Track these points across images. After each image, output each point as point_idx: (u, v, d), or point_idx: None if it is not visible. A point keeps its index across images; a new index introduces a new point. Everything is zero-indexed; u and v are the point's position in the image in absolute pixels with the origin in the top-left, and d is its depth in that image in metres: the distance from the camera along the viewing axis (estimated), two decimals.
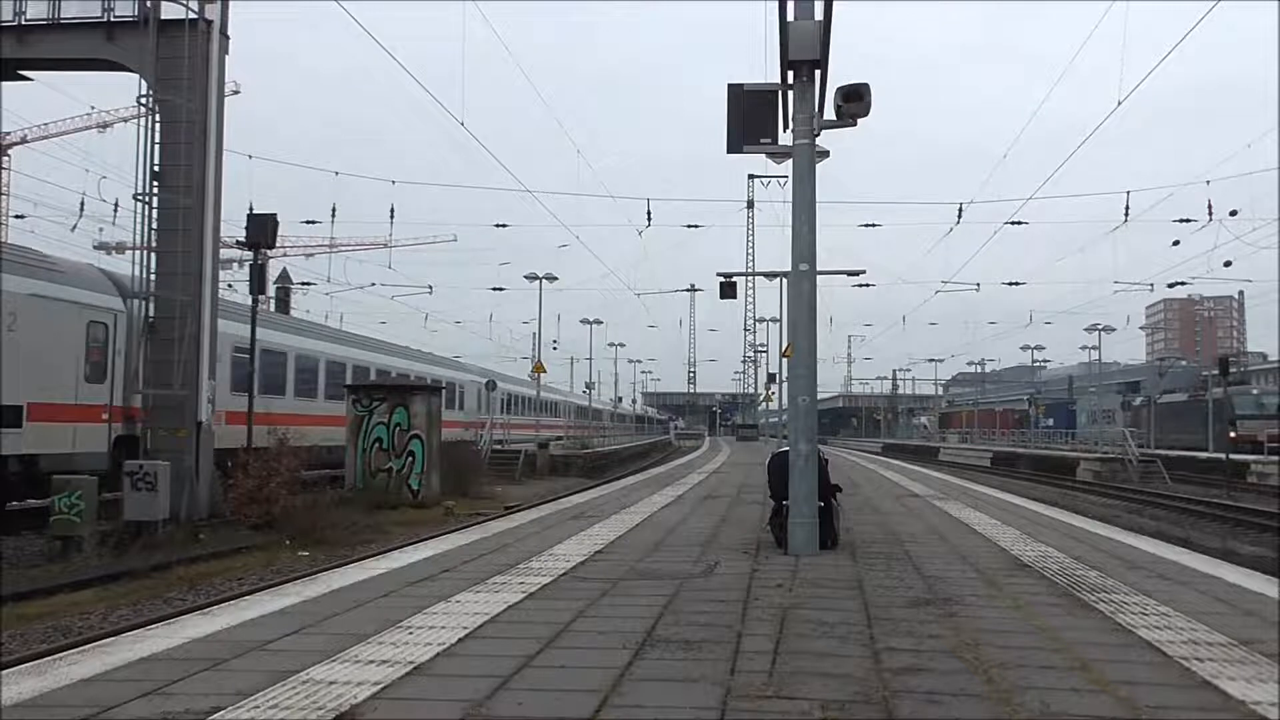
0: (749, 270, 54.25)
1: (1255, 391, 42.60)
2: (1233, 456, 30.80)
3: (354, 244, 52.25)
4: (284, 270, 42.10)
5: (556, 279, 44.71)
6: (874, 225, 40.42)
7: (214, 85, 15.51)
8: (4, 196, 52.32)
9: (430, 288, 50.49)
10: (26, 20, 15.69)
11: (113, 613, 9.65)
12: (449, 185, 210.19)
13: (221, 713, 3.67)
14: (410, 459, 20.49)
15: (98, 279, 16.78)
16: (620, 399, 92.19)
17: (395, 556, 8.62)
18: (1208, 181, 33.19)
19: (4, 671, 4.38)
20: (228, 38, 15.91)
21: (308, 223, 40.70)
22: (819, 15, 8.55)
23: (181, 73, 14.98)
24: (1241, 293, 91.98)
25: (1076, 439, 50.75)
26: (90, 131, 56.47)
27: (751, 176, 57.19)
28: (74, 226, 39.62)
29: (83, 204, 37.92)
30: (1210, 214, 32.43)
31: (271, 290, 37.75)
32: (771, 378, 55.90)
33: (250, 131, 45.30)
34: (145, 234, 14.94)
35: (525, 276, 44.79)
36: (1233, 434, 37.40)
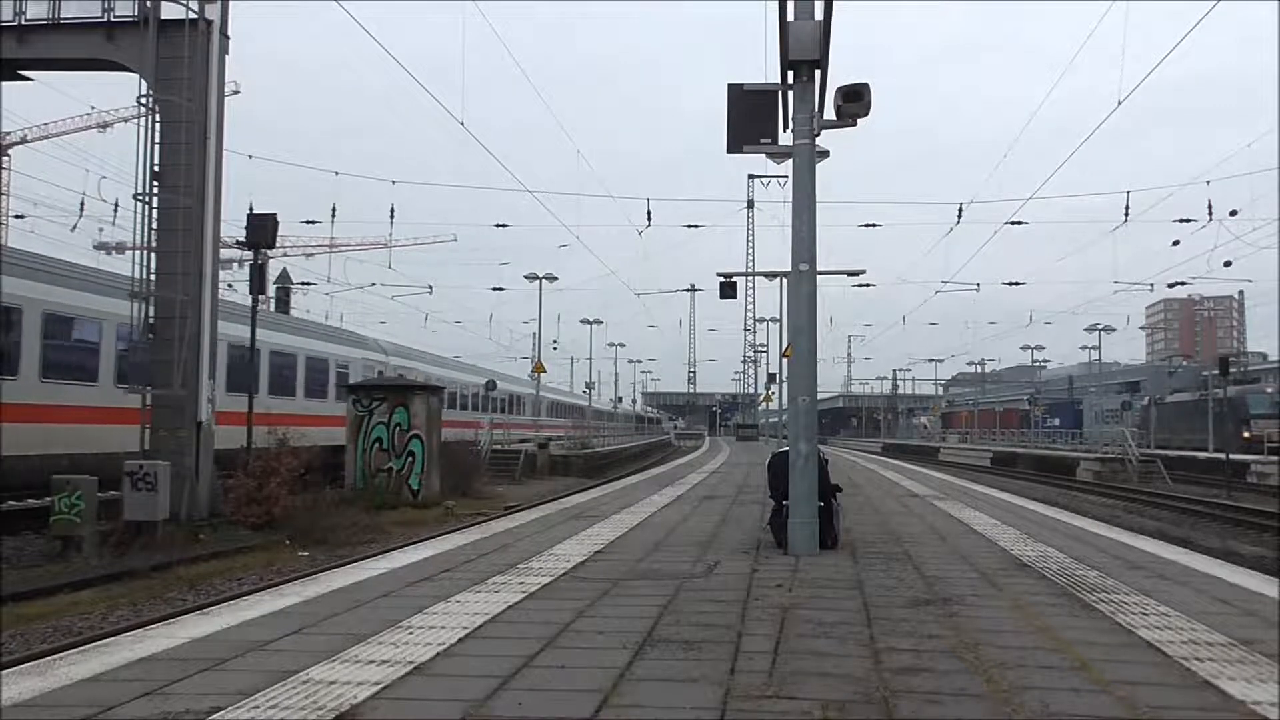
0: (749, 270, 54.31)
1: (1269, 390, 42.37)
2: (1234, 457, 30.75)
3: (354, 244, 52.40)
4: (284, 270, 42.09)
5: (556, 279, 44.88)
6: (874, 225, 40.37)
7: (214, 85, 15.51)
8: (4, 196, 52.39)
9: (430, 288, 50.63)
10: (26, 20, 15.67)
11: (113, 613, 9.65)
12: (449, 185, 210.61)
13: (221, 713, 3.67)
14: (410, 459, 20.50)
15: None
16: (620, 399, 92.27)
17: (395, 556, 8.62)
18: (1208, 181, 33.25)
19: (4, 671, 4.38)
20: (228, 38, 15.91)
21: (308, 223, 40.80)
22: (819, 15, 8.55)
23: (181, 73, 14.98)
24: (1241, 293, 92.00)
25: (1082, 439, 50.66)
26: (90, 131, 56.68)
27: (751, 176, 57.43)
28: (74, 226, 39.75)
29: (83, 204, 38.03)
30: (1210, 214, 32.48)
31: (271, 290, 37.75)
32: (771, 378, 56.00)
33: (250, 131, 45.27)
34: (145, 234, 14.94)
35: (525, 276, 45.01)
36: (1246, 434, 37.29)
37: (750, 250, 74.82)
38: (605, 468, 37.54)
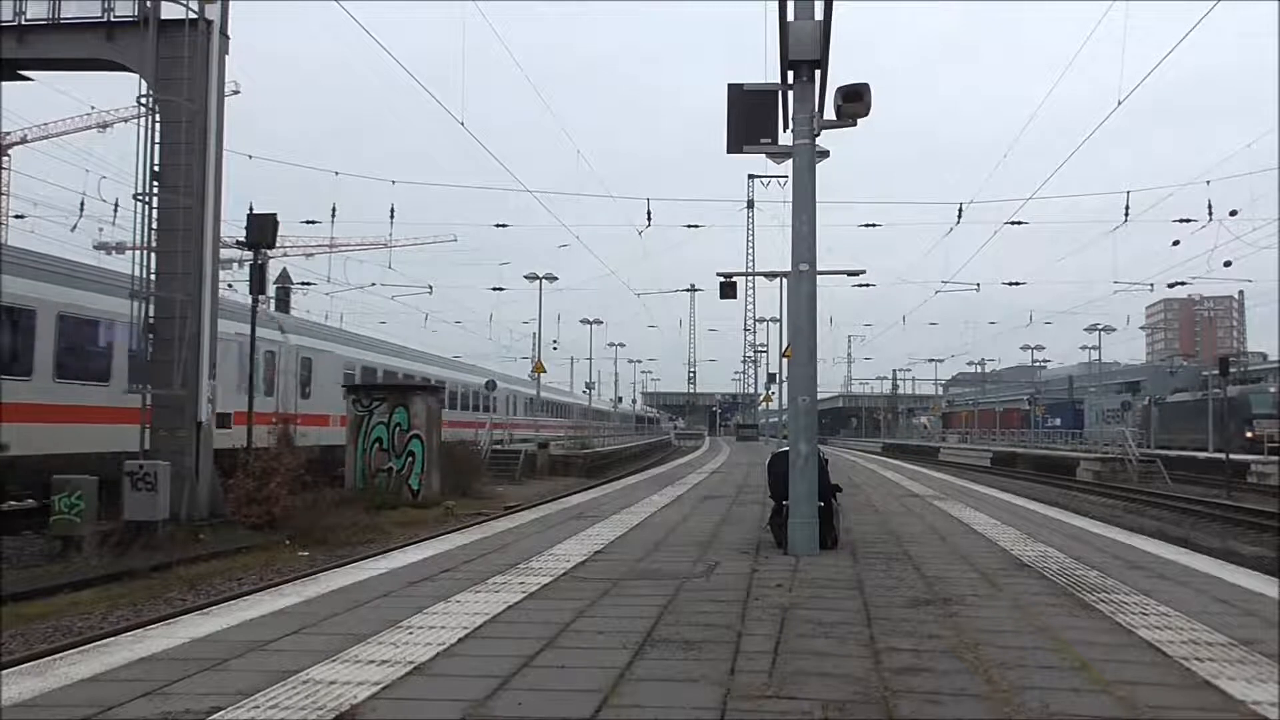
0: (749, 270, 54.26)
1: (1273, 390, 42.26)
2: (1234, 456, 30.71)
3: (354, 244, 52.37)
4: (284, 270, 42.06)
5: (556, 279, 44.87)
6: (874, 225, 40.37)
7: (214, 85, 15.50)
8: (4, 196, 52.40)
9: (430, 288, 50.64)
10: (26, 20, 15.66)
11: (113, 613, 9.65)
12: (449, 185, 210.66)
13: (221, 713, 3.67)
14: (410, 459, 20.52)
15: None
16: (620, 399, 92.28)
17: (395, 556, 8.62)
18: (1208, 181, 33.29)
19: (4, 671, 4.38)
20: (228, 38, 15.90)
21: (308, 223, 40.67)
22: (819, 15, 8.56)
23: (181, 73, 14.97)
24: (1241, 293, 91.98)
25: (1082, 439, 50.55)
26: (90, 131, 56.63)
27: (751, 176, 57.42)
28: (74, 226, 39.71)
29: (83, 204, 37.99)
30: (1210, 214, 32.49)
31: (271, 290, 37.70)
32: (771, 378, 55.99)
33: (250, 132, 45.30)
34: (145, 234, 14.93)
35: (525, 276, 45.03)
36: (1249, 434, 37.20)
37: (750, 250, 75.01)
38: (605, 468, 37.53)
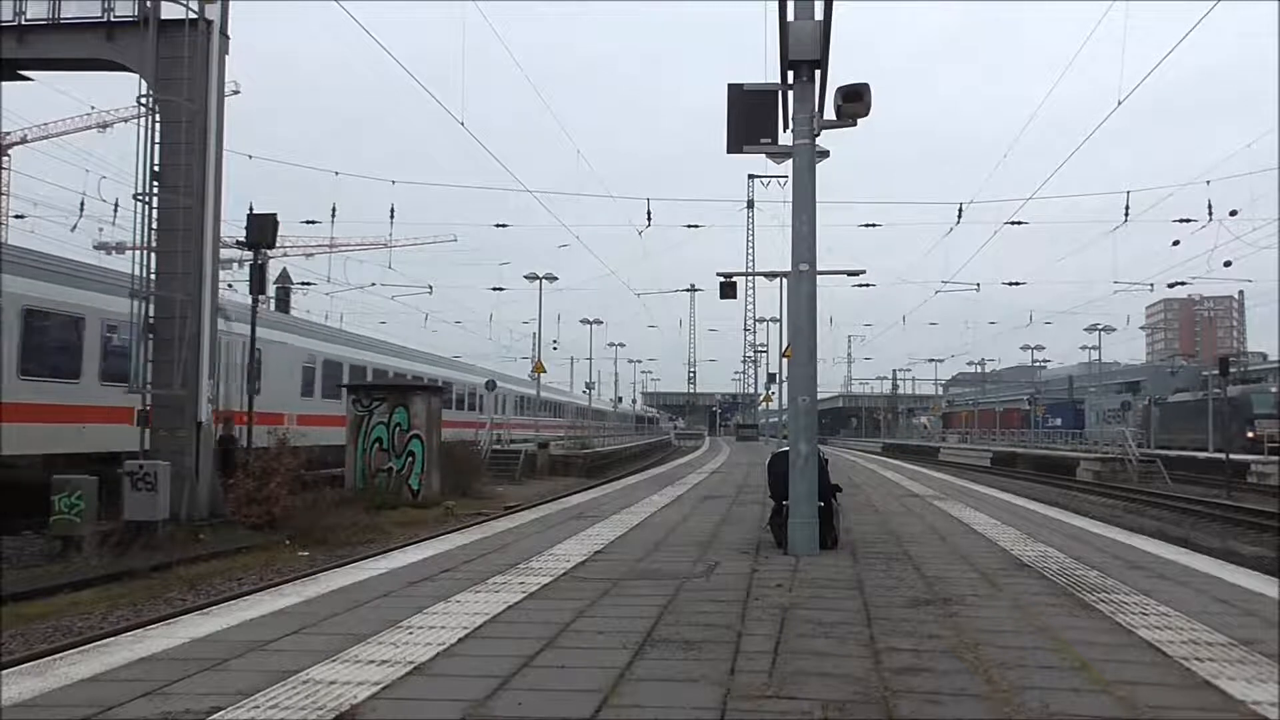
0: (749, 270, 54.23)
1: (1273, 390, 42.18)
2: (1234, 456, 30.68)
3: (354, 244, 52.37)
4: (284, 270, 42.04)
5: (556, 279, 44.81)
6: (874, 225, 40.35)
7: (214, 85, 15.52)
8: (4, 196, 52.39)
9: (430, 288, 50.62)
10: (26, 20, 15.69)
11: (113, 613, 9.66)
12: (449, 185, 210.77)
13: (221, 713, 3.67)
14: (410, 459, 20.52)
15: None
16: (620, 399, 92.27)
17: (395, 556, 8.62)
18: (1208, 181, 33.31)
19: (4, 671, 4.38)
20: (228, 38, 15.92)
21: (308, 223, 40.64)
22: (819, 15, 8.56)
23: (181, 73, 14.99)
24: (1241, 293, 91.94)
25: (1084, 439, 50.50)
26: (90, 131, 56.65)
27: (751, 176, 57.48)
28: (74, 226, 39.71)
29: (83, 204, 37.99)
30: (1210, 214, 32.49)
31: (271, 290, 37.67)
32: (771, 378, 55.97)
33: (250, 132, 45.29)
34: (145, 234, 14.94)
35: (525, 276, 44.93)
36: (1250, 434, 37.16)
37: (750, 250, 75.03)
38: (605, 468, 37.55)
